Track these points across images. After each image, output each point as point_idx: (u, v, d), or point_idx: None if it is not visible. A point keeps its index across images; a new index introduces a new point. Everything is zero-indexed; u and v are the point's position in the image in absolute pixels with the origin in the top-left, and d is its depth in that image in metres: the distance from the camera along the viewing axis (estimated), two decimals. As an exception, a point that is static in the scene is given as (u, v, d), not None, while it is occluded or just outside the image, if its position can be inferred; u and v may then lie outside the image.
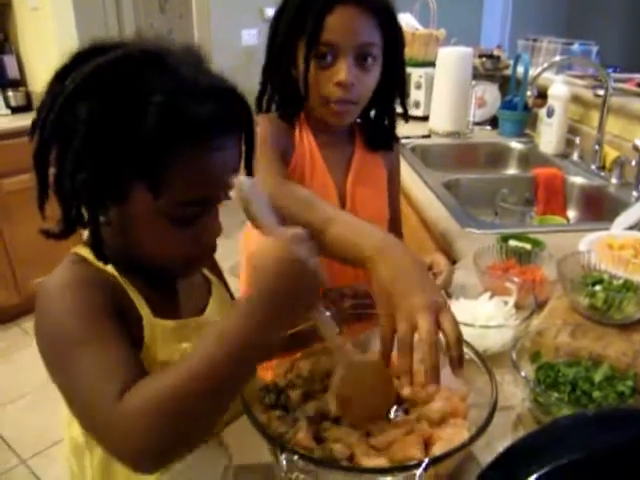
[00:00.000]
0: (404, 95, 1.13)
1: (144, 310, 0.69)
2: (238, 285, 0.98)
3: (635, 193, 1.58)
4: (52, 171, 0.63)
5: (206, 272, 0.84)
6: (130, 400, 0.55)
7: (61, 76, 0.62)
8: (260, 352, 0.59)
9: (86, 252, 0.68)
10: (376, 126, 1.14)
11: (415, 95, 2.41)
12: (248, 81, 1.23)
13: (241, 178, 0.58)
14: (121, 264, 0.69)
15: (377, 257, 0.72)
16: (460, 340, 0.64)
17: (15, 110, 2.85)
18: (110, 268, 0.68)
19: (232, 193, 0.59)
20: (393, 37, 1.03)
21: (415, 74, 2.38)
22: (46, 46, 2.82)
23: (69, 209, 0.63)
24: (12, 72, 2.96)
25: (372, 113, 1.13)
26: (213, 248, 0.72)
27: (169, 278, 0.75)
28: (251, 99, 1.13)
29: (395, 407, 0.72)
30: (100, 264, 0.67)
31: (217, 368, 0.55)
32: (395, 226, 1.24)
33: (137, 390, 0.56)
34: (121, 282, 0.68)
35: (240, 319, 0.56)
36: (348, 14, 0.96)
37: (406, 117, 1.17)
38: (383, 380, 0.69)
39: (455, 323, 0.65)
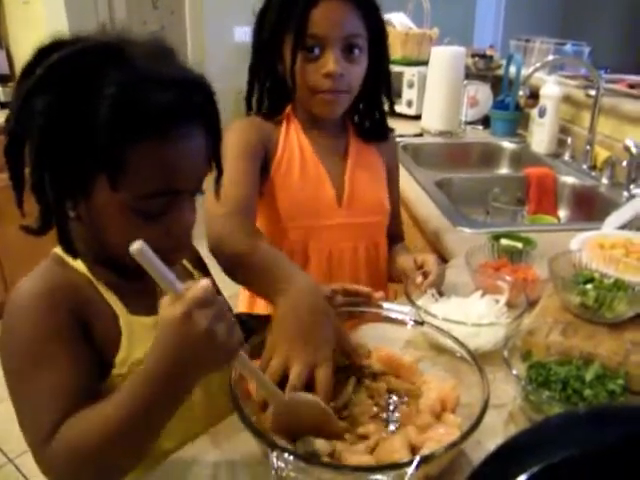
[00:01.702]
0: (390, 88, 1.13)
1: (119, 308, 0.69)
2: (230, 281, 0.97)
3: (626, 193, 1.59)
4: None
5: (189, 267, 0.83)
6: (57, 443, 0.59)
7: (27, 73, 0.62)
8: (169, 408, 0.60)
9: (62, 251, 0.69)
10: (367, 118, 1.14)
11: (408, 94, 2.41)
12: (241, 78, 1.23)
13: (133, 245, 0.54)
14: (95, 260, 0.69)
15: (282, 291, 0.76)
16: (327, 396, 0.68)
17: (4, 105, 2.82)
18: (83, 267, 0.68)
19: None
20: (377, 30, 1.04)
21: (408, 73, 2.38)
22: (36, 41, 2.79)
23: (44, 204, 0.63)
24: (2, 67, 2.93)
25: (361, 106, 1.14)
26: (186, 241, 0.71)
27: (144, 273, 0.74)
28: (244, 96, 1.13)
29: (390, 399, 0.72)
30: (74, 263, 0.68)
31: (128, 419, 0.57)
32: (393, 224, 1.23)
33: (64, 432, 0.59)
34: (94, 282, 0.68)
35: (146, 379, 0.57)
36: (333, 7, 0.98)
37: (392, 110, 1.17)
38: (319, 417, 0.66)
39: (329, 379, 0.69)
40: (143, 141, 0.60)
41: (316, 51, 0.99)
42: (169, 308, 0.55)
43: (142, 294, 0.73)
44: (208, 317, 0.54)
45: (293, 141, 1.08)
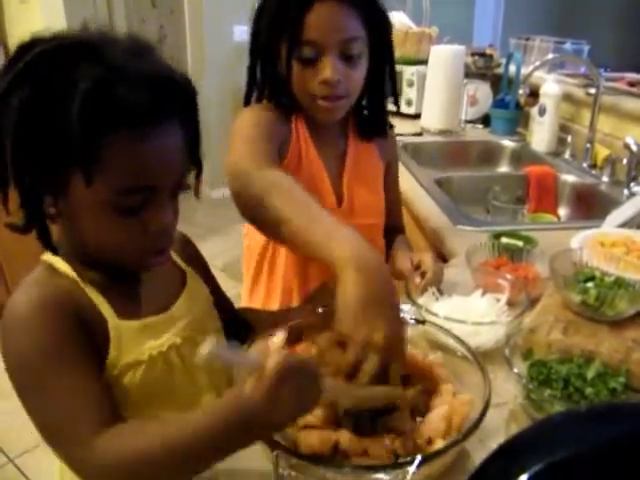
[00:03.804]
0: (395, 83, 1.11)
1: (108, 312, 0.68)
2: (231, 283, 0.97)
3: (626, 191, 1.58)
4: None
5: (181, 264, 0.82)
6: (108, 446, 0.57)
7: (7, 70, 0.62)
8: (223, 455, 0.59)
9: (52, 257, 0.69)
10: (368, 114, 1.13)
11: (407, 93, 2.41)
12: (240, 76, 1.22)
13: (200, 351, 0.52)
14: (81, 261, 0.69)
15: (349, 270, 0.67)
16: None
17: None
18: (71, 271, 0.68)
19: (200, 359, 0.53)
20: (378, 25, 1.01)
21: (407, 72, 2.38)
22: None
23: (27, 202, 0.64)
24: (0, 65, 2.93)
25: (363, 102, 1.12)
26: (165, 244, 0.70)
27: (128, 272, 0.73)
28: (242, 94, 1.13)
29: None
30: (63, 270, 0.67)
31: (196, 451, 0.56)
32: (394, 217, 1.23)
33: (117, 438, 0.58)
34: (82, 287, 0.68)
35: (215, 429, 0.56)
36: (328, 10, 0.94)
37: (397, 105, 1.16)
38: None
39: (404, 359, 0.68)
40: (115, 135, 0.60)
41: (312, 57, 0.96)
42: (252, 387, 0.54)
43: (128, 297, 0.72)
44: (292, 391, 0.54)
45: (301, 142, 1.07)
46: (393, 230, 1.22)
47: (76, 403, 0.60)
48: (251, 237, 1.15)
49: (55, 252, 0.68)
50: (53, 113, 0.59)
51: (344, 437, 0.63)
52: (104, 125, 0.59)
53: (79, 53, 0.61)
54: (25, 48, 0.62)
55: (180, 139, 0.66)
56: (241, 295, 1.21)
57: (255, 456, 0.66)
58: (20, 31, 2.93)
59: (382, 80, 1.08)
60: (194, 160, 0.71)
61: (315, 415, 0.65)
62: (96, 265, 0.69)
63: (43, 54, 0.60)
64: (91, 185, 0.61)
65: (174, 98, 0.64)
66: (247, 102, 1.09)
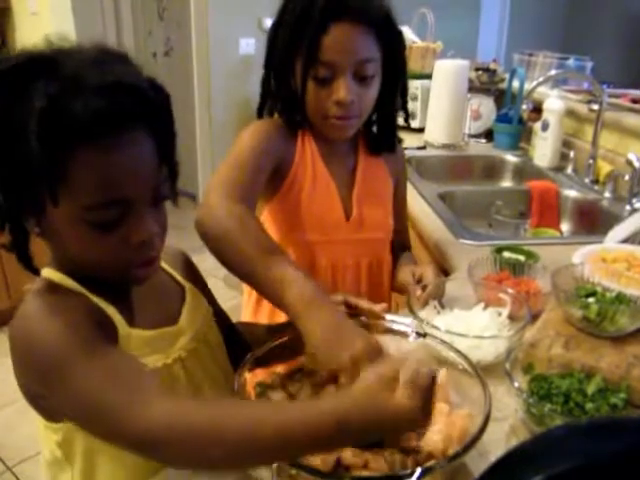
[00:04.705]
0: (406, 101, 1.11)
1: (117, 319, 0.68)
2: (232, 293, 0.97)
3: (628, 207, 1.59)
4: None
5: (180, 279, 0.82)
6: (170, 407, 0.56)
7: None
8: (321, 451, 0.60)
9: (52, 274, 0.68)
10: (378, 130, 1.13)
11: (411, 107, 2.43)
12: (245, 89, 1.24)
13: None
14: (74, 276, 0.68)
15: (303, 312, 0.73)
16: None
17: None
18: (72, 283, 0.67)
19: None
20: (393, 44, 1.01)
21: (411, 86, 2.39)
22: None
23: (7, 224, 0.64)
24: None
25: (373, 118, 1.12)
26: (150, 254, 0.68)
27: (120, 285, 0.72)
28: (248, 107, 1.14)
29: None
30: (64, 282, 0.67)
31: (277, 443, 0.54)
32: (401, 234, 1.23)
33: (183, 404, 0.58)
34: (90, 296, 0.67)
35: (329, 421, 0.55)
36: (344, 32, 0.95)
37: (407, 121, 1.16)
38: None
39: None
40: (76, 152, 0.58)
41: (327, 77, 0.97)
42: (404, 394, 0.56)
43: (126, 309, 0.71)
44: (420, 395, 0.57)
45: (308, 155, 1.07)
46: (399, 247, 1.22)
47: (130, 368, 0.61)
48: None
49: (37, 273, 0.67)
50: (15, 135, 0.58)
51: (347, 453, 0.64)
52: (63, 142, 0.58)
53: (35, 70, 0.59)
54: None
55: (149, 147, 0.64)
56: (242, 306, 1.21)
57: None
58: (30, 42, 2.96)
59: (393, 97, 1.08)
60: (169, 168, 0.68)
61: None
62: (88, 279, 0.68)
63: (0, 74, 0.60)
64: (58, 205, 0.60)
65: (137, 106, 0.61)
66: (260, 113, 1.09)
